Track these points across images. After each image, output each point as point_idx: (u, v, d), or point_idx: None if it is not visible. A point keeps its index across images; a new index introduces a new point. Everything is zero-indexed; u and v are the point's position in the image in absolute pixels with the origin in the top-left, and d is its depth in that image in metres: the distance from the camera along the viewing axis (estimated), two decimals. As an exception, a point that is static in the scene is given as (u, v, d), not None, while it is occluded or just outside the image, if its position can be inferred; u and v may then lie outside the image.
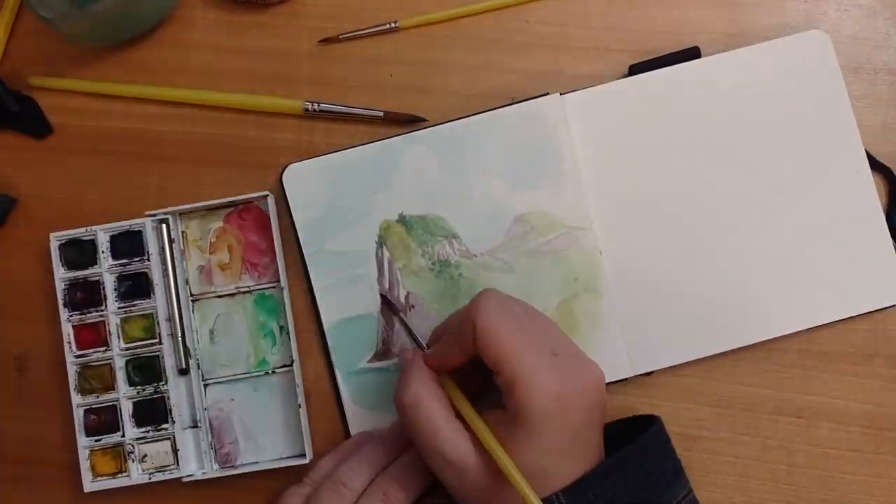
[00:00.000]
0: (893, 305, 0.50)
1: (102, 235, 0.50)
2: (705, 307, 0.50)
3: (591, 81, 0.51)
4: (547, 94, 0.51)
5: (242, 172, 0.52)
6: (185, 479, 0.50)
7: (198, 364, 0.51)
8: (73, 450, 0.50)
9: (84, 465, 0.50)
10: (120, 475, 0.50)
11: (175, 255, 0.51)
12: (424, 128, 0.51)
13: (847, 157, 0.50)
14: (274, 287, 0.51)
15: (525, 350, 0.40)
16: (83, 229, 0.50)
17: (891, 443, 0.50)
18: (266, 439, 0.51)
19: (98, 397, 0.50)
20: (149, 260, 0.50)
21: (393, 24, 0.52)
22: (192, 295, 0.51)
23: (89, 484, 0.50)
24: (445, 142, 0.51)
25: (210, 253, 0.52)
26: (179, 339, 0.50)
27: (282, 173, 0.51)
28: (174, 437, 0.50)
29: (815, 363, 0.51)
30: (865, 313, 0.50)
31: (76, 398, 0.50)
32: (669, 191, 0.50)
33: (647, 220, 0.50)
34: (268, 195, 0.50)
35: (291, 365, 0.50)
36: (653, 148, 0.51)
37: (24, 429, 0.52)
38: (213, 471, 0.50)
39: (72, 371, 0.50)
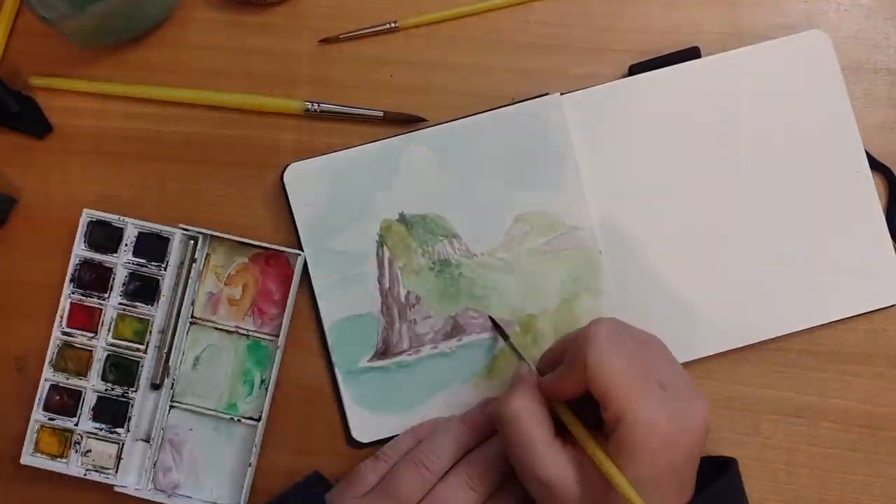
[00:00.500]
0: (893, 305, 0.50)
1: (132, 229, 0.50)
2: (705, 307, 0.50)
3: (591, 81, 0.51)
4: (547, 94, 0.51)
5: (242, 172, 0.52)
6: (116, 488, 0.49)
7: (172, 384, 0.51)
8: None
9: (30, 437, 0.50)
10: (59, 459, 0.50)
11: (192, 275, 0.51)
12: (424, 128, 0.51)
13: (847, 156, 0.50)
14: (272, 340, 0.51)
15: (634, 386, 0.39)
16: (116, 216, 0.50)
17: (891, 443, 0.50)
18: (207, 480, 0.50)
19: (68, 378, 0.50)
20: (166, 269, 0.50)
21: (393, 24, 0.52)
22: (192, 317, 0.51)
23: (27, 457, 0.50)
24: (446, 141, 0.51)
25: (225, 284, 0.51)
26: (164, 354, 0.50)
27: (282, 173, 0.51)
28: (123, 444, 0.50)
29: (815, 363, 0.51)
30: (865, 313, 0.50)
31: (48, 371, 0.50)
32: (669, 191, 0.50)
33: (647, 220, 0.50)
34: (300, 255, 0.50)
35: (258, 421, 0.50)
36: (653, 148, 0.51)
37: (26, 429, 0.52)
38: (146, 490, 0.50)
39: (53, 344, 0.50)
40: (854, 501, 0.50)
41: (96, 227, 0.51)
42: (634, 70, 0.51)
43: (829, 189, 0.50)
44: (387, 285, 0.50)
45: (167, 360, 0.50)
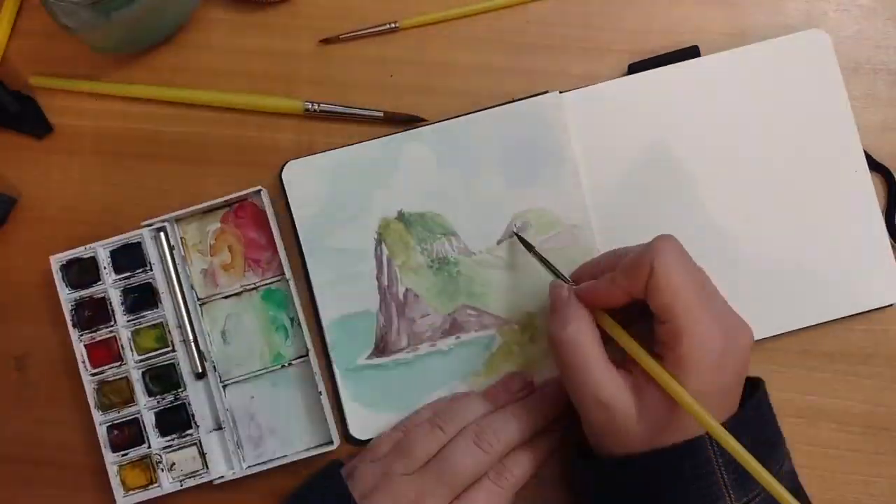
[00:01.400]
0: (893, 305, 0.50)
1: (102, 252, 0.50)
2: (704, 306, 0.50)
3: (590, 81, 0.51)
4: (546, 92, 0.51)
5: (243, 172, 0.52)
6: (216, 482, 0.49)
7: (214, 366, 0.51)
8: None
9: (114, 480, 0.49)
10: (151, 486, 0.50)
11: (177, 262, 0.50)
12: (423, 123, 0.51)
13: (846, 156, 0.50)
14: (279, 280, 0.51)
15: (697, 301, 0.40)
16: (82, 248, 0.50)
17: (891, 443, 0.50)
18: (291, 432, 0.51)
19: (119, 412, 0.50)
20: (151, 270, 0.50)
21: (393, 24, 0.52)
22: (199, 299, 0.51)
23: (122, 499, 0.49)
24: (445, 139, 0.51)
25: (211, 255, 0.51)
26: (192, 344, 0.50)
27: (281, 170, 0.51)
28: (200, 441, 0.50)
29: (815, 363, 0.51)
30: (865, 313, 0.50)
31: (97, 416, 0.50)
32: (667, 189, 0.50)
33: (645, 219, 0.50)
34: (261, 190, 0.50)
35: (307, 355, 0.50)
36: (651, 146, 0.51)
37: (26, 429, 0.52)
38: (242, 469, 0.50)
39: (89, 389, 0.50)
40: (854, 501, 0.50)
41: (70, 266, 0.50)
42: (634, 69, 0.51)
43: (829, 189, 0.50)
44: (385, 283, 0.50)
45: (198, 348, 0.50)
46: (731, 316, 0.42)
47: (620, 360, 0.43)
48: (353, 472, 0.46)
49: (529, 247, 0.49)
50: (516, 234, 0.50)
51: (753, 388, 0.44)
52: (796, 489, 0.43)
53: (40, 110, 0.53)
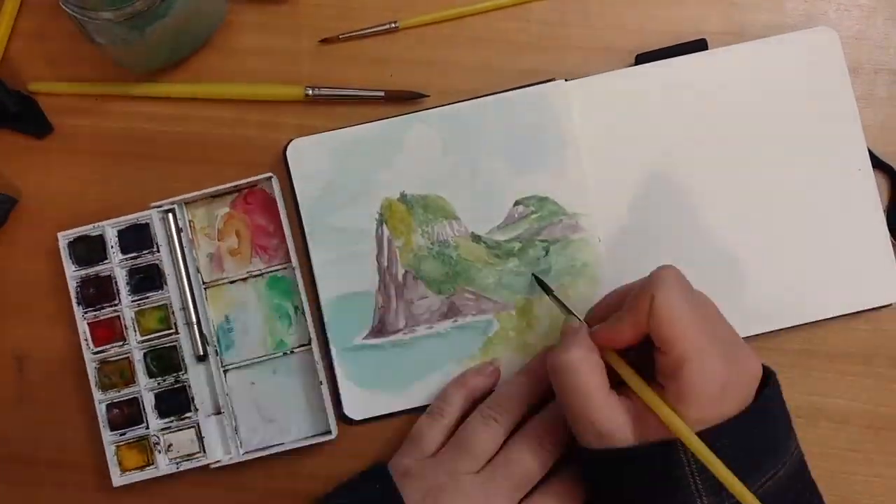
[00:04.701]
0: (892, 304, 0.50)
1: (110, 231, 0.50)
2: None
3: (591, 80, 0.51)
4: (552, 79, 0.50)
5: (244, 171, 0.52)
6: (213, 466, 0.50)
7: (216, 350, 0.51)
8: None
9: (111, 460, 0.50)
10: (148, 467, 0.50)
11: (184, 244, 0.51)
12: (428, 107, 0.51)
13: (849, 154, 0.50)
14: (285, 268, 0.51)
15: (698, 332, 0.39)
16: (90, 226, 0.50)
17: (891, 443, 0.50)
18: (290, 420, 0.51)
19: (119, 392, 0.50)
20: (158, 251, 0.50)
21: (393, 24, 0.52)
22: (204, 283, 0.51)
23: (118, 478, 0.50)
24: (449, 123, 0.51)
25: (219, 240, 0.52)
26: (195, 327, 0.50)
27: (286, 147, 0.51)
28: (198, 424, 0.50)
29: (815, 363, 0.51)
30: (865, 311, 0.50)
31: (97, 394, 0.50)
32: (670, 181, 0.50)
33: (647, 210, 0.50)
34: (271, 177, 0.50)
35: (309, 344, 0.50)
36: (655, 137, 0.51)
37: (26, 429, 0.52)
38: (239, 455, 0.50)
39: (91, 368, 0.50)
40: (854, 501, 0.50)
41: (76, 243, 0.51)
42: (641, 59, 0.51)
43: (831, 186, 0.50)
44: (385, 264, 0.50)
45: (201, 331, 0.50)
46: (737, 346, 0.42)
47: (623, 386, 0.42)
48: (410, 472, 0.46)
49: (548, 290, 0.49)
50: (534, 276, 0.50)
51: (762, 387, 0.43)
52: (793, 492, 0.42)
53: (40, 110, 0.53)
